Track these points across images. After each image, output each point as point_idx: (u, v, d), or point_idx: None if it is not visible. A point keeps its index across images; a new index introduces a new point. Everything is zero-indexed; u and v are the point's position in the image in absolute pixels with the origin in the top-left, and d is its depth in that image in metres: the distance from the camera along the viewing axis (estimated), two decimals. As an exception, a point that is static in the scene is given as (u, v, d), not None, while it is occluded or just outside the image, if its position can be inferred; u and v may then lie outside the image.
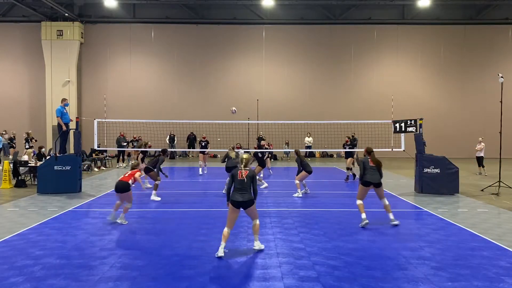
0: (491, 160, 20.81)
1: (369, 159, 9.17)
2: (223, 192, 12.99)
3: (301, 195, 12.86)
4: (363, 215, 8.97)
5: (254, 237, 7.29)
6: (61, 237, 8.04)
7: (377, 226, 9.07)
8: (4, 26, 29.02)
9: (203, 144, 18.93)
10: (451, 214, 10.26)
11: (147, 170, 12.34)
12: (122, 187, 9.05)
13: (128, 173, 9.42)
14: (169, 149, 26.60)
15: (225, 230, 7.04)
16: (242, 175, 7.12)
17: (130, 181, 9.14)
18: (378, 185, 9.10)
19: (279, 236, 8.19)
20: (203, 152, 18.78)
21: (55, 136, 15.90)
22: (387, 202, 9.13)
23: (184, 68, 29.57)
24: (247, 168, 7.27)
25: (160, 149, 13.19)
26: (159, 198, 12.00)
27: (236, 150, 16.53)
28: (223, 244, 6.94)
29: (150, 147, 15.91)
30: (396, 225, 8.94)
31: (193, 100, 29.23)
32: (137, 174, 9.40)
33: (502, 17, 28.98)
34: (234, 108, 16.34)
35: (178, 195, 13.11)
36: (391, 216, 9.04)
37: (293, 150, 13.80)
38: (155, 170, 12.39)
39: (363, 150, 9.84)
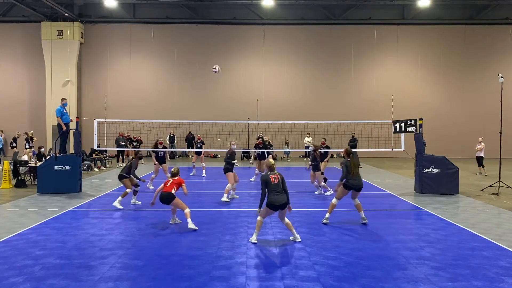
0: (491, 160, 20.82)
1: (350, 162, 9.08)
2: (222, 200, 12.00)
3: (332, 192, 12.86)
4: (328, 215, 9.28)
5: (292, 232, 7.85)
6: (61, 237, 8.04)
7: (377, 226, 9.06)
8: (4, 26, 29.03)
9: (198, 145, 18.70)
10: (451, 214, 10.25)
11: (120, 177, 11.15)
12: (167, 198, 8.69)
13: (170, 181, 8.95)
14: (169, 149, 26.71)
15: (259, 218, 7.73)
16: (275, 179, 7.64)
17: (173, 190, 8.75)
18: (360, 189, 9.18)
19: (279, 236, 8.19)
20: (198, 153, 18.61)
21: (55, 136, 15.91)
22: (358, 202, 9.24)
23: (184, 68, 29.57)
24: (276, 172, 7.80)
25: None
26: (121, 207, 10.79)
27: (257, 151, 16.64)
28: (257, 232, 7.72)
29: (161, 143, 15.42)
30: (365, 223, 9.13)
31: (193, 100, 29.24)
32: (183, 186, 8.99)
33: (502, 17, 28.99)
34: (216, 68, 14.91)
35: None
36: (362, 214, 9.20)
37: (312, 147, 14.03)
38: (130, 176, 11.17)
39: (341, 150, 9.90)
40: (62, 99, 14.47)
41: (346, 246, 7.52)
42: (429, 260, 6.74)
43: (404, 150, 14.56)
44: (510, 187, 13.80)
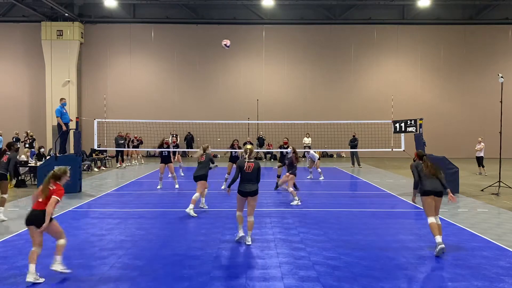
0: (491, 160, 20.81)
1: (422, 164, 7.56)
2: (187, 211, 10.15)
3: (300, 203, 11.42)
4: (438, 238, 7.00)
5: (248, 233, 7.65)
6: (61, 237, 8.02)
7: (377, 226, 9.06)
8: (4, 26, 29.04)
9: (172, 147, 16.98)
10: (451, 214, 10.25)
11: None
12: (35, 219, 5.80)
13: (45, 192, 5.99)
14: (171, 149, 26.60)
15: (238, 213, 7.81)
16: (249, 168, 7.59)
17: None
18: (439, 194, 7.30)
19: (279, 236, 8.18)
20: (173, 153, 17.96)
21: (55, 136, 15.90)
22: (439, 222, 7.31)
23: (184, 68, 29.57)
24: (252, 161, 7.68)
25: None
26: (5, 218, 9.28)
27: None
28: (240, 226, 7.76)
29: (167, 143, 15.12)
30: (442, 252, 6.96)
31: (193, 100, 29.25)
32: (53, 199, 6.01)
33: (502, 17, 28.99)
34: (226, 43, 13.79)
35: (177, 195, 13.10)
36: (439, 239, 6.99)
37: (291, 148, 12.67)
38: (9, 173, 9.41)
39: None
40: (61, 99, 14.47)
41: (346, 246, 7.51)
42: (429, 260, 6.74)
43: (404, 150, 14.56)
44: (510, 187, 13.79)
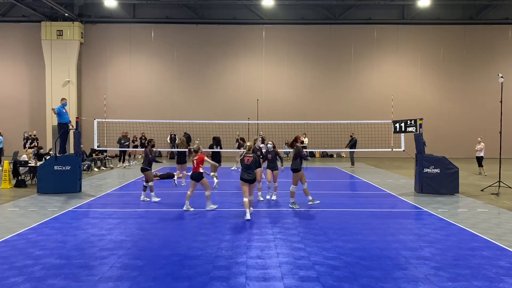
0: (491, 160, 20.82)
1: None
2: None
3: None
4: (310, 196, 10.87)
5: (249, 208, 9.57)
6: (61, 237, 8.04)
7: (377, 226, 9.06)
8: (4, 26, 29.04)
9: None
10: (451, 214, 10.25)
11: None
12: (197, 177, 10.45)
13: (195, 161, 10.49)
14: (171, 149, 26.66)
15: (245, 199, 9.53)
16: (248, 161, 9.51)
17: (200, 169, 10.43)
18: (292, 171, 10.79)
19: (279, 236, 8.18)
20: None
21: (55, 136, 15.91)
22: (305, 187, 10.82)
23: (184, 68, 29.57)
24: (251, 155, 9.56)
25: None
26: (158, 199, 11.49)
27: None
28: (247, 210, 9.47)
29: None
30: (314, 203, 10.79)
31: (193, 100, 29.25)
32: (206, 159, 10.65)
33: (502, 17, 28.99)
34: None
35: (177, 195, 13.10)
36: (310, 196, 10.85)
37: (271, 143, 12.42)
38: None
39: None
40: (62, 99, 14.47)
41: (346, 246, 7.51)
42: (429, 260, 6.74)
43: (404, 150, 14.56)
44: (510, 187, 13.80)
